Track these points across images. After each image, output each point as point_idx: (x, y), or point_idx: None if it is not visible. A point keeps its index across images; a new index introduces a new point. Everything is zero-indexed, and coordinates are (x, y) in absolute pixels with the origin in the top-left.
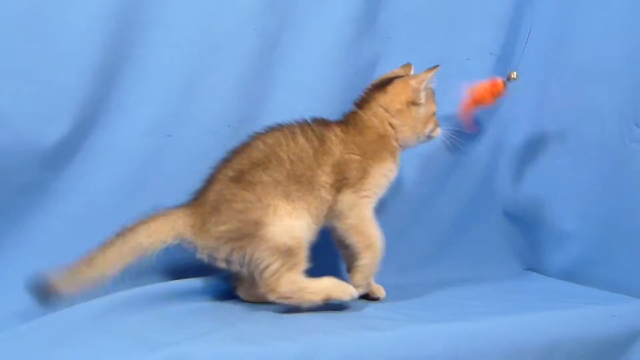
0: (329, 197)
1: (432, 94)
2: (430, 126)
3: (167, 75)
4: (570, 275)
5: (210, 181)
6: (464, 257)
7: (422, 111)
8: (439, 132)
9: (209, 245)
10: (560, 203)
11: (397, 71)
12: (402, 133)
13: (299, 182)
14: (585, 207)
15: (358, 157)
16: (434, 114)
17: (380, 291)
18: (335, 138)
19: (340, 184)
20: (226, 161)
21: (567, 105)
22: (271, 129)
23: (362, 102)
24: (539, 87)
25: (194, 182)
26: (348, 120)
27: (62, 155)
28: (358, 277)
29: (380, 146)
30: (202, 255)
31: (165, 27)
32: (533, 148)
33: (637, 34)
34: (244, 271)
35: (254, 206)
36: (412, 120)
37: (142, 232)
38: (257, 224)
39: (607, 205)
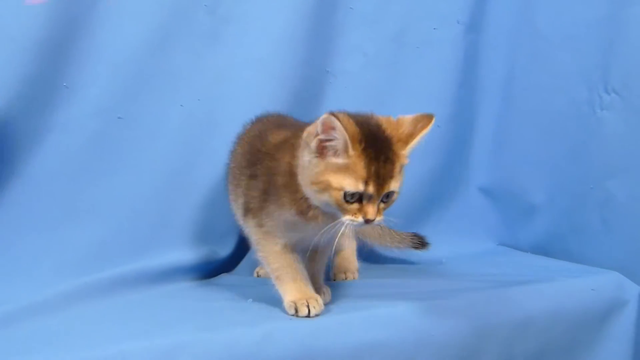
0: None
1: (336, 158)
2: (315, 189)
3: (116, 53)
4: (542, 249)
5: None
6: (437, 234)
7: (309, 160)
8: (346, 221)
9: None
10: (529, 175)
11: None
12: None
13: None
14: (554, 179)
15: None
16: (345, 193)
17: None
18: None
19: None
20: None
21: (536, 74)
22: None
23: None
24: (508, 57)
25: (145, 166)
26: None
27: (2, 136)
28: (287, 299)
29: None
30: None
31: (114, 2)
32: (504, 120)
33: None
34: None
35: None
36: (302, 163)
37: None
38: None
39: (576, 175)
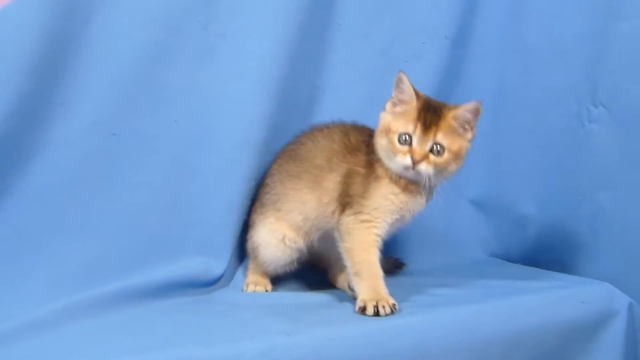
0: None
1: (409, 109)
2: (380, 138)
3: (110, 70)
4: (533, 260)
5: None
6: (430, 246)
7: (381, 117)
8: (398, 160)
9: None
10: (520, 187)
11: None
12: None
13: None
14: (543, 190)
15: (362, 171)
16: (399, 134)
17: None
18: (362, 145)
19: (344, 200)
20: None
21: (525, 88)
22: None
23: None
24: (497, 71)
25: (140, 182)
26: None
27: None
28: (360, 297)
29: (377, 158)
30: None
31: (108, 17)
32: (494, 132)
33: (587, 10)
34: None
35: None
36: (379, 141)
37: None
38: None
39: (566, 187)
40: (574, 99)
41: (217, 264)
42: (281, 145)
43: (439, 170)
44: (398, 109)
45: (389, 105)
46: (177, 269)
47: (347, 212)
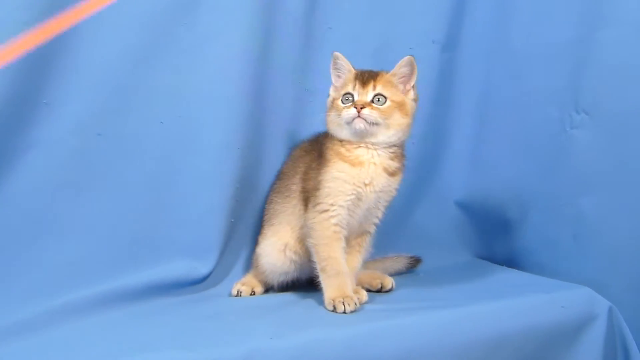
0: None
1: (347, 77)
2: (330, 113)
3: (96, 70)
4: (516, 262)
5: None
6: (416, 248)
7: (327, 102)
8: (344, 115)
9: None
10: (504, 190)
11: None
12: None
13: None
14: (527, 194)
15: (315, 164)
16: (341, 97)
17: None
18: (317, 145)
19: (305, 196)
20: None
21: (510, 93)
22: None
23: None
24: (483, 75)
25: (125, 183)
26: None
27: None
28: (326, 295)
29: (326, 145)
30: None
31: (94, 18)
32: (480, 136)
33: (572, 18)
34: None
35: None
36: (328, 118)
37: None
38: None
39: (549, 191)
40: (557, 104)
41: (202, 266)
42: (267, 148)
43: (385, 117)
44: (339, 83)
45: (331, 90)
46: (161, 271)
47: (309, 207)
